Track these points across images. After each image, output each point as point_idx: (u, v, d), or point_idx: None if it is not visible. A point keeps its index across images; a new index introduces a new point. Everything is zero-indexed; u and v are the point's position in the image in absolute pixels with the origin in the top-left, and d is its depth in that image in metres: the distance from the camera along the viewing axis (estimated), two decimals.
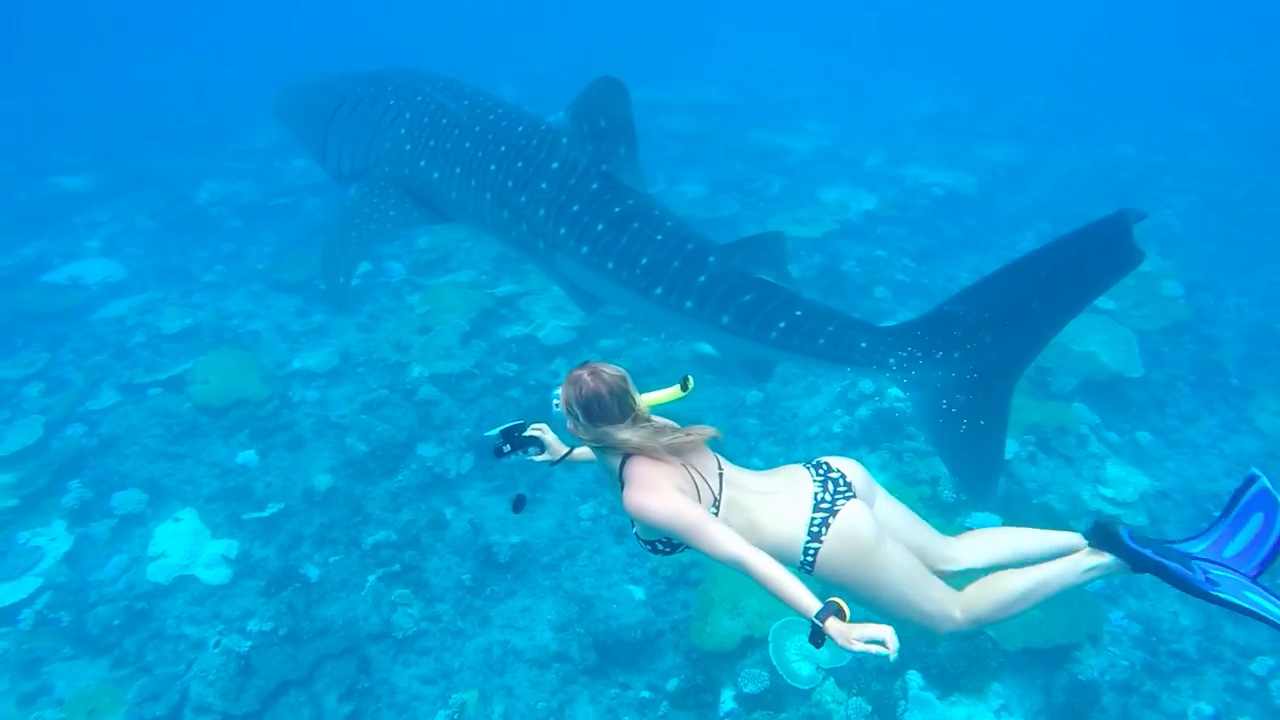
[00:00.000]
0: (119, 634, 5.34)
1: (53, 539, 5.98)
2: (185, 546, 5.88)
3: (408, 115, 6.33)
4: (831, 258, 9.01)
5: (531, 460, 2.97)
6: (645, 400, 2.78)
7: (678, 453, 2.77)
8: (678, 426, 2.86)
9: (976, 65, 17.39)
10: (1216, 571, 2.68)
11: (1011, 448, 6.18)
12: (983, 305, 4.11)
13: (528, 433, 2.94)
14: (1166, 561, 2.62)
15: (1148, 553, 2.65)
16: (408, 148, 6.26)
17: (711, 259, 4.90)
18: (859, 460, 3.02)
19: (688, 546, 2.77)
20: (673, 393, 2.82)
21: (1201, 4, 21.35)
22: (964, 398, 4.23)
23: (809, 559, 2.79)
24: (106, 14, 19.96)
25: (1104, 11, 21.50)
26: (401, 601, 5.51)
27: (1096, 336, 7.51)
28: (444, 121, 6.10)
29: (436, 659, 5.29)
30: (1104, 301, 8.11)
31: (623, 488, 2.73)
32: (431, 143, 6.11)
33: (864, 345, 4.46)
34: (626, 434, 2.70)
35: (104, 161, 12.27)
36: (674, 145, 12.40)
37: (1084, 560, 2.84)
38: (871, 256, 9.22)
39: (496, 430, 2.93)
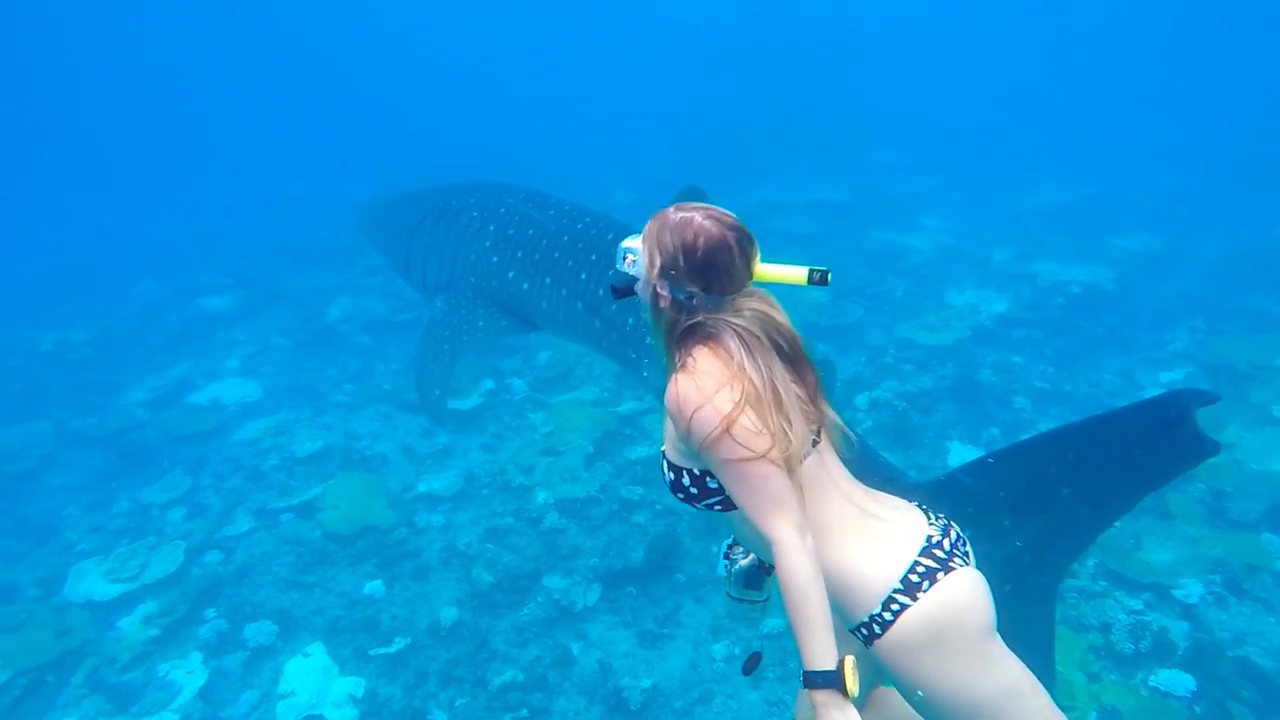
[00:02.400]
0: None
1: (189, 672, 6.02)
2: (314, 684, 5.82)
3: (492, 227, 6.39)
4: (966, 366, 8.56)
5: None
6: (763, 271, 2.10)
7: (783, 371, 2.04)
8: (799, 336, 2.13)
9: (1099, 148, 16.76)
10: None
11: (1196, 590, 5.54)
12: (997, 482, 3.38)
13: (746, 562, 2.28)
14: None
15: None
16: (494, 259, 6.29)
17: None
18: None
19: (718, 502, 2.06)
20: (797, 275, 2.08)
21: None
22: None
23: (887, 617, 1.99)
24: (242, 141, 21.85)
25: (1234, 85, 20.54)
26: None
27: (1276, 452, 6.80)
28: (530, 232, 6.12)
29: None
30: (1279, 408, 7.41)
31: (673, 374, 2.01)
32: (519, 253, 6.13)
33: None
34: (737, 307, 2.02)
35: (244, 282, 13.01)
36: (791, 247, 12.23)
37: None
38: (1008, 363, 8.72)
39: (734, 588, 2.35)
